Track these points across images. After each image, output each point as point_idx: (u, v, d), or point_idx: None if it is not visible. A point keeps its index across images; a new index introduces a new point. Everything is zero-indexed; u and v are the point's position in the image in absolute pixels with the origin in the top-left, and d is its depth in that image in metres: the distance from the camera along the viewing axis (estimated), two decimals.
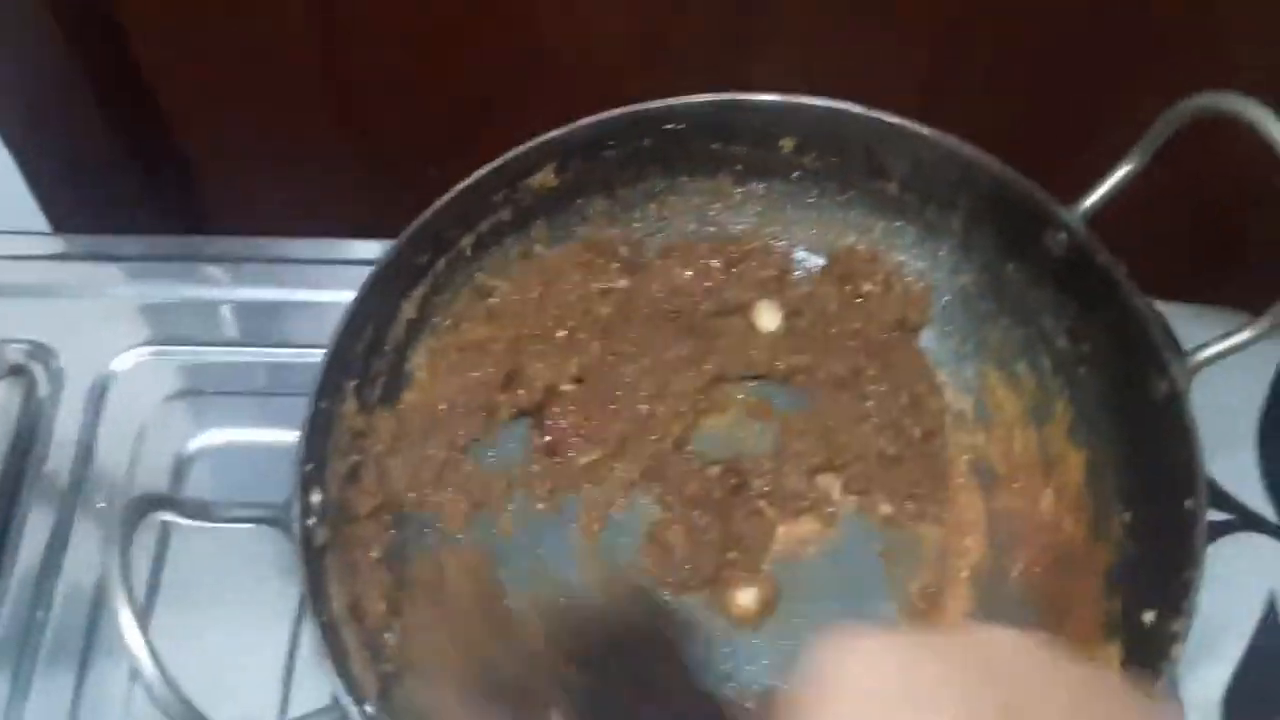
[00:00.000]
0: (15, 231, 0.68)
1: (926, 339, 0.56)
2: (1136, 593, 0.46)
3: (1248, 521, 0.69)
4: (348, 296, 0.54)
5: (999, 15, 0.56)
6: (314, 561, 0.45)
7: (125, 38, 0.64)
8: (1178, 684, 0.59)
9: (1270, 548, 0.68)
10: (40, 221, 0.71)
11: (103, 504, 0.59)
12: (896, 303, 0.55)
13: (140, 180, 0.71)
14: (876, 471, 0.54)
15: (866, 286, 0.55)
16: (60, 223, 0.71)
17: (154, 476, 0.59)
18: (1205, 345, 0.45)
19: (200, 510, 0.44)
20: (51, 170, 0.69)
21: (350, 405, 0.50)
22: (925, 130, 0.51)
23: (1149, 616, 0.45)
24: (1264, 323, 0.44)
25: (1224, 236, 0.68)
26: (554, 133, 0.52)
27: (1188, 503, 0.44)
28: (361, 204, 0.63)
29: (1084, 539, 0.49)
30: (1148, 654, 0.44)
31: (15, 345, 0.63)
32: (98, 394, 0.62)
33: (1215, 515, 0.69)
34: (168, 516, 0.43)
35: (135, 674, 0.38)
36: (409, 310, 0.53)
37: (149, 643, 0.38)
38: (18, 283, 0.66)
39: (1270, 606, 0.67)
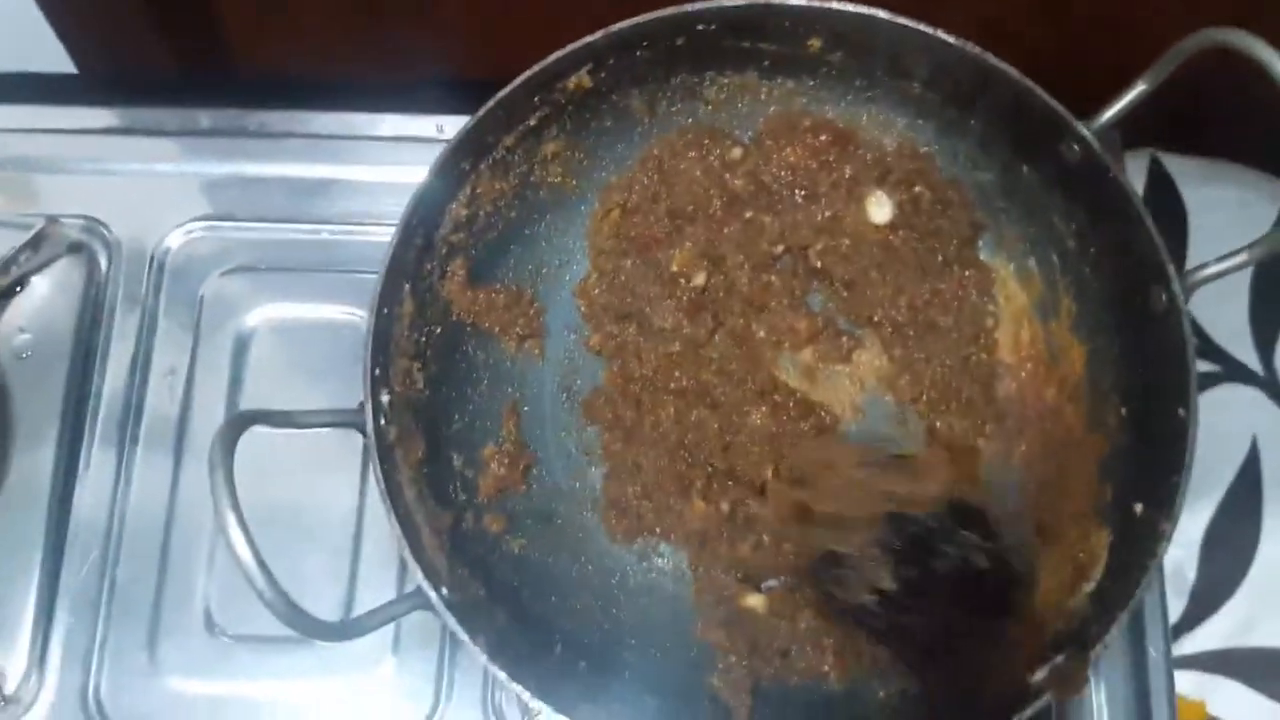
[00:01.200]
0: (56, 103, 0.70)
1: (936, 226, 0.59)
2: (1128, 483, 0.51)
3: (1234, 372, 0.74)
4: (389, 173, 0.57)
5: None
6: (388, 458, 0.50)
7: None
8: None
9: (1254, 397, 0.73)
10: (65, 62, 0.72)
11: (169, 374, 0.64)
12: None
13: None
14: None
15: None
16: (84, 61, 0.72)
17: (217, 353, 0.64)
18: (1204, 266, 0.49)
19: (287, 419, 0.49)
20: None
21: (408, 306, 0.54)
22: (949, 37, 0.52)
23: (1139, 508, 0.50)
24: (1258, 249, 0.47)
25: None
26: (588, 38, 0.54)
27: (1179, 411, 0.48)
28: None
29: (1082, 427, 0.54)
30: (1134, 545, 0.48)
31: (72, 220, 0.66)
32: (156, 269, 0.65)
33: (1204, 366, 0.74)
34: (261, 429, 0.47)
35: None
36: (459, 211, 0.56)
37: (259, 556, 0.42)
38: (65, 156, 0.68)
39: (1252, 450, 0.72)
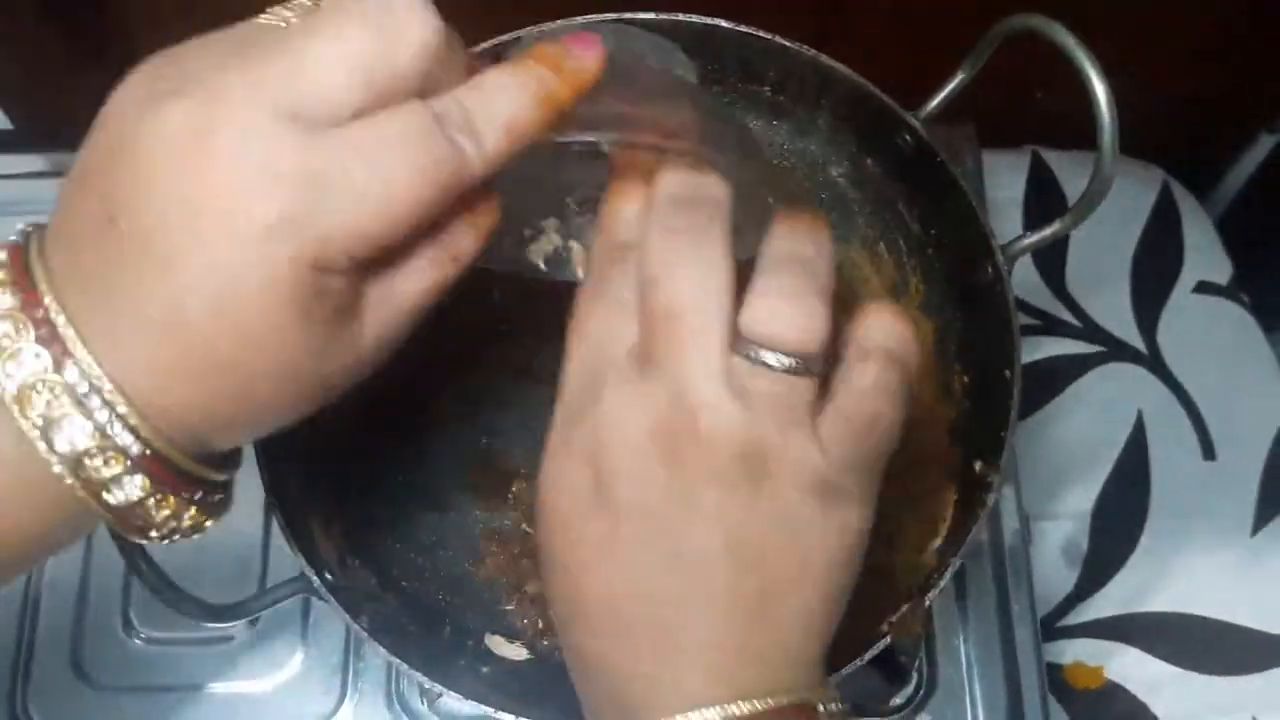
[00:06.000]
0: None
1: None
2: (970, 444, 0.55)
3: (1120, 352, 0.77)
4: None
5: None
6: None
7: None
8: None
9: (1137, 374, 0.77)
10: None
11: None
12: None
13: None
14: None
15: None
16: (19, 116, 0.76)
17: None
18: (1022, 237, 0.52)
19: None
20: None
21: None
22: (787, 43, 0.56)
23: (978, 465, 0.53)
24: (1068, 219, 0.51)
25: None
26: None
27: (1006, 373, 0.52)
28: None
29: (932, 397, 0.57)
30: (972, 497, 0.52)
31: None
32: None
33: (1090, 347, 0.78)
34: None
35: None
36: None
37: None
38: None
39: (1138, 426, 0.76)
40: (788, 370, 0.33)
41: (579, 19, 0.57)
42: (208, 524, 0.36)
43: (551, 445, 0.36)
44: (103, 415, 0.31)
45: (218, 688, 0.61)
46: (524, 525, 0.58)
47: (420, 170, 0.31)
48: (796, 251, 0.35)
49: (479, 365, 0.61)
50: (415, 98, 0.31)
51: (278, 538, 0.62)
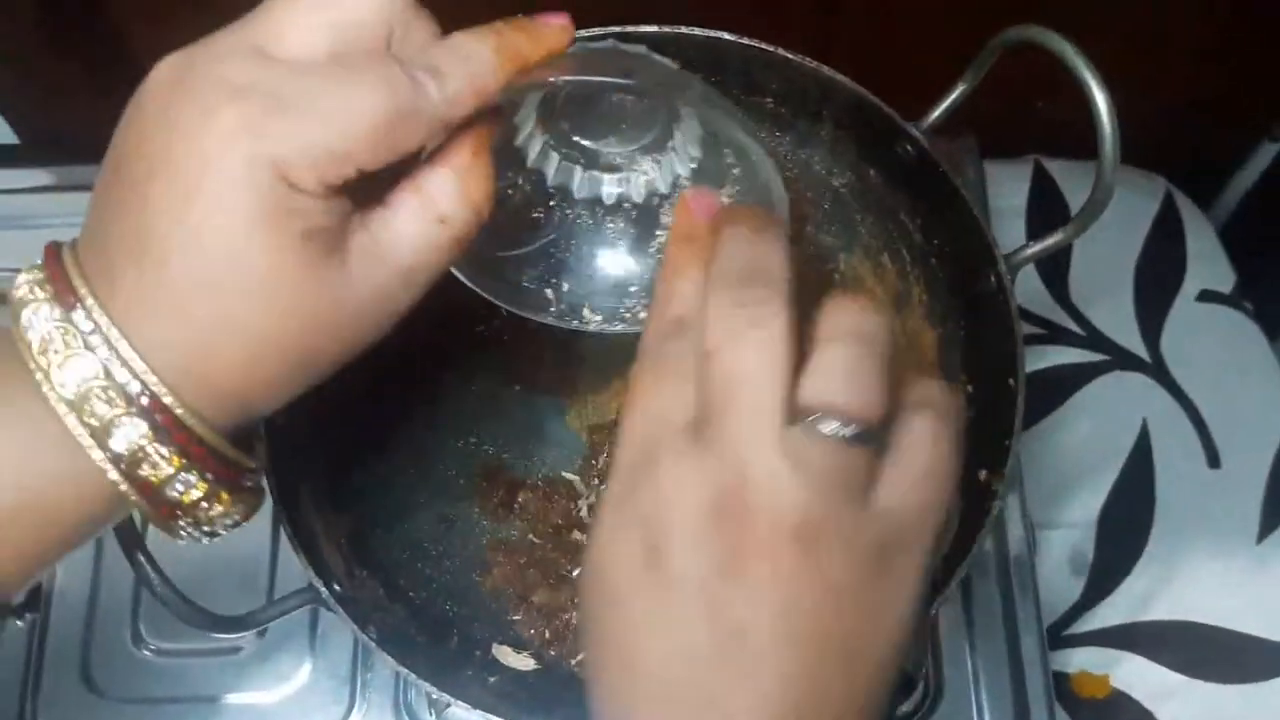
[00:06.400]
0: None
1: (811, 235, 0.63)
2: (974, 453, 0.54)
3: (1123, 361, 0.77)
4: None
5: None
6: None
7: None
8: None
9: (1142, 383, 0.77)
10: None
11: None
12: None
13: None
14: None
15: None
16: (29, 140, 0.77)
17: None
18: (1025, 247, 0.53)
19: None
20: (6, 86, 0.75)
21: None
22: (789, 54, 0.57)
23: (983, 474, 0.53)
24: (1071, 229, 0.51)
25: None
26: None
27: (1010, 380, 0.52)
28: None
29: None
30: (977, 506, 0.52)
31: (2, 274, 0.70)
32: None
33: (1094, 356, 0.78)
34: None
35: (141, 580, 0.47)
36: None
37: (148, 552, 0.46)
38: None
39: (1142, 434, 0.76)
40: (846, 440, 0.33)
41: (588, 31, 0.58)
42: (236, 516, 0.37)
43: (603, 513, 0.35)
44: (104, 352, 0.33)
45: (227, 699, 0.61)
46: (530, 536, 0.59)
47: (378, 94, 0.33)
48: (856, 324, 0.35)
49: (487, 377, 0.62)
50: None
51: (285, 549, 0.62)
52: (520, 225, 0.42)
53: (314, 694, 0.61)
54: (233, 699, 0.61)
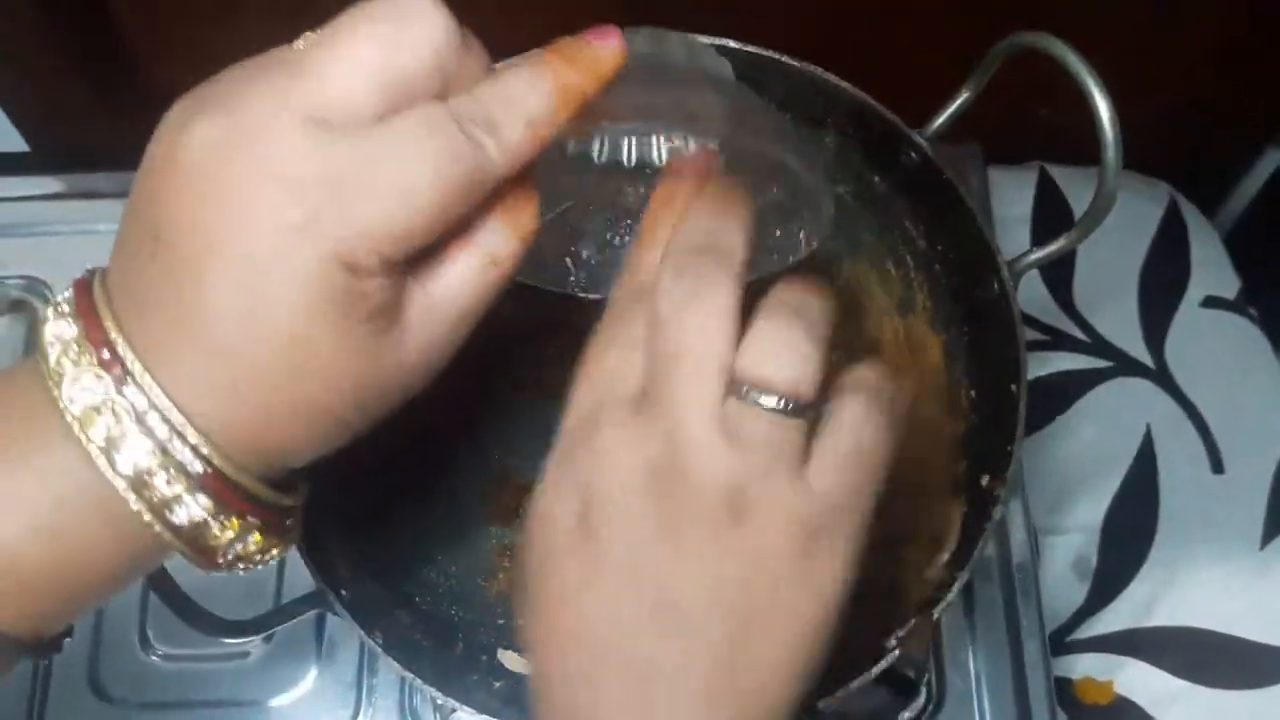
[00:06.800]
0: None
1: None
2: (977, 458, 0.55)
3: (1127, 367, 0.78)
4: None
5: None
6: None
7: None
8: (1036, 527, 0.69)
9: (1145, 389, 0.77)
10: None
11: None
12: None
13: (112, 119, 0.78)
14: None
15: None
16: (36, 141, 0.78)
17: None
18: (1028, 253, 0.53)
19: None
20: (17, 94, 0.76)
21: None
22: (793, 60, 0.57)
23: (985, 480, 0.53)
24: (1073, 235, 0.51)
25: None
26: None
27: (1012, 386, 0.52)
28: None
29: (939, 412, 0.58)
30: (980, 511, 0.53)
31: (12, 281, 0.71)
32: None
33: (1098, 362, 0.78)
34: None
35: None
36: None
37: None
38: (4, 222, 0.74)
39: (1146, 440, 0.76)
40: (780, 412, 0.33)
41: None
42: (275, 551, 0.37)
43: (546, 478, 0.36)
44: (163, 432, 0.32)
45: (234, 704, 0.62)
46: None
47: (439, 166, 0.31)
48: (796, 298, 0.35)
49: (493, 380, 0.62)
50: (434, 98, 0.32)
51: (292, 554, 0.63)
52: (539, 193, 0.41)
53: (320, 699, 0.62)
54: (240, 703, 0.62)
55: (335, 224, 0.30)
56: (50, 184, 0.75)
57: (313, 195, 0.30)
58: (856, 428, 0.35)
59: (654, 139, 0.41)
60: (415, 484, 0.60)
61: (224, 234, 0.31)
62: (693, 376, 0.34)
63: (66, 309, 0.33)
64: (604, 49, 0.35)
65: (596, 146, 0.41)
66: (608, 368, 0.36)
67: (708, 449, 0.33)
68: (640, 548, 0.34)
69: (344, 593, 0.51)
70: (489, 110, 0.33)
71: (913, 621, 0.50)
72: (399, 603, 0.56)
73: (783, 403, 0.33)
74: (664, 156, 0.41)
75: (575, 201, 0.46)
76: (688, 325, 0.34)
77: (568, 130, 0.35)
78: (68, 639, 0.37)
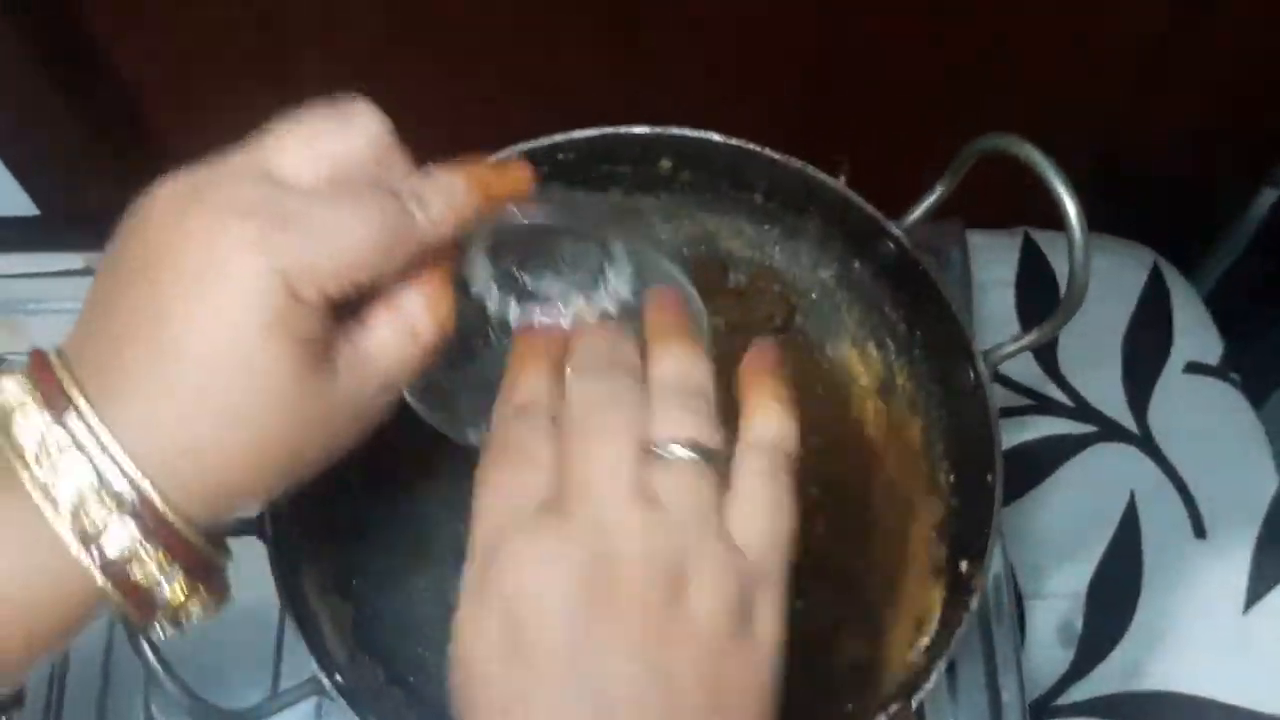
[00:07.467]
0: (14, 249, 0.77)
1: (800, 324, 0.65)
2: (957, 543, 0.56)
3: (1112, 432, 0.79)
4: None
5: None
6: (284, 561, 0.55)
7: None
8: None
9: (1129, 454, 0.78)
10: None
11: None
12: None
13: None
14: None
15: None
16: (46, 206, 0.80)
17: None
18: (1001, 345, 0.54)
19: None
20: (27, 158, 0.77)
21: None
22: (775, 154, 0.58)
23: (964, 565, 0.55)
24: (1047, 327, 0.53)
25: None
26: None
27: (988, 476, 0.53)
28: None
29: (920, 493, 0.59)
30: (959, 596, 0.54)
31: (22, 359, 0.72)
32: None
33: (1082, 427, 0.79)
34: None
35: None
36: None
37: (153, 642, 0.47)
38: (16, 298, 0.75)
39: (1130, 504, 0.77)
40: (693, 459, 0.37)
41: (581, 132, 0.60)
42: (202, 607, 0.38)
43: (462, 600, 0.37)
44: (101, 461, 0.34)
45: None
46: None
47: (374, 218, 0.36)
48: (673, 371, 0.40)
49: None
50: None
51: (288, 641, 0.64)
52: (460, 349, 0.45)
53: None
54: None
55: (283, 249, 0.34)
56: (61, 260, 0.76)
57: (263, 220, 0.34)
58: (766, 481, 0.38)
59: (562, 307, 0.46)
60: (409, 562, 0.61)
61: (177, 255, 0.34)
62: (606, 450, 0.37)
63: (23, 367, 0.36)
64: (518, 168, 0.42)
65: (512, 311, 0.46)
66: (509, 484, 0.38)
67: (637, 528, 0.35)
68: (577, 653, 0.34)
69: (339, 678, 0.52)
70: (418, 188, 0.38)
71: (894, 708, 0.51)
72: (391, 680, 0.57)
73: (694, 451, 0.37)
74: (569, 323, 0.46)
75: (492, 360, 0.49)
76: (603, 427, 0.38)
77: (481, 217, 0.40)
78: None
